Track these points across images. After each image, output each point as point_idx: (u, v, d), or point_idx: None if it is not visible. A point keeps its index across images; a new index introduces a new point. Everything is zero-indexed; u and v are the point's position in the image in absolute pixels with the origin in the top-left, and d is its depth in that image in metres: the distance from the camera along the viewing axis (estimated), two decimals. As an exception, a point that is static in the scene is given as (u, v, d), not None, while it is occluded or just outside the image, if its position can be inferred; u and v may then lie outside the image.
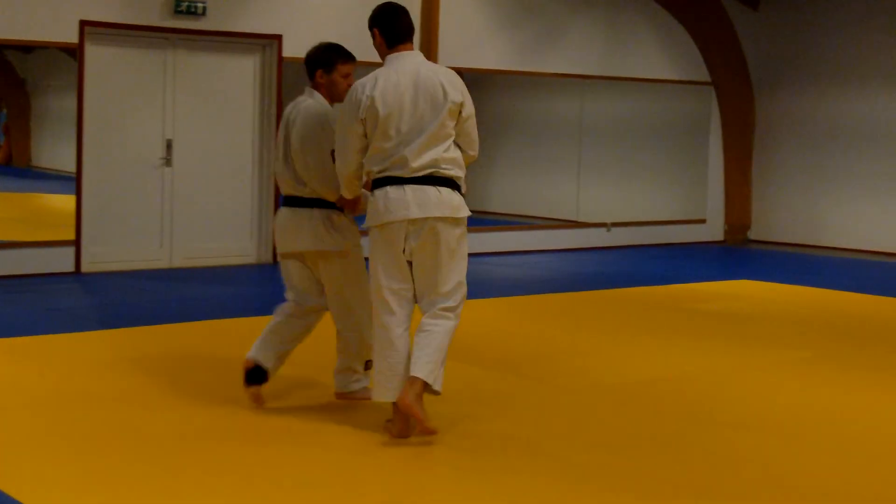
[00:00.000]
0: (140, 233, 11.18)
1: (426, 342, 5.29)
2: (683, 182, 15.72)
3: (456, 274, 5.42)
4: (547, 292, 10.24)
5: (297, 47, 11.82)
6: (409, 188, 5.29)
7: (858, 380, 6.96)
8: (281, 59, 11.73)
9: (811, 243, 15.01)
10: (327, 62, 5.87)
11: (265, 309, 9.09)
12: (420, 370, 5.22)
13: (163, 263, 11.30)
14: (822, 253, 14.55)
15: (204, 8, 11.16)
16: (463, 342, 7.29)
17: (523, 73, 13.72)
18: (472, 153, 5.54)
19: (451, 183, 5.39)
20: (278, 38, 11.70)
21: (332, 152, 5.63)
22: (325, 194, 5.79)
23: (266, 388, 5.94)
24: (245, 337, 7.78)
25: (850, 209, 14.64)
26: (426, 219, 5.30)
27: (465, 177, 5.50)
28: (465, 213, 5.44)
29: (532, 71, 13.67)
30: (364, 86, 5.37)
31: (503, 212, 16.06)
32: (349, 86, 5.64)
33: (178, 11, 11.02)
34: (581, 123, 15.27)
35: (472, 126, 5.48)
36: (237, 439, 5.33)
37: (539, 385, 6.51)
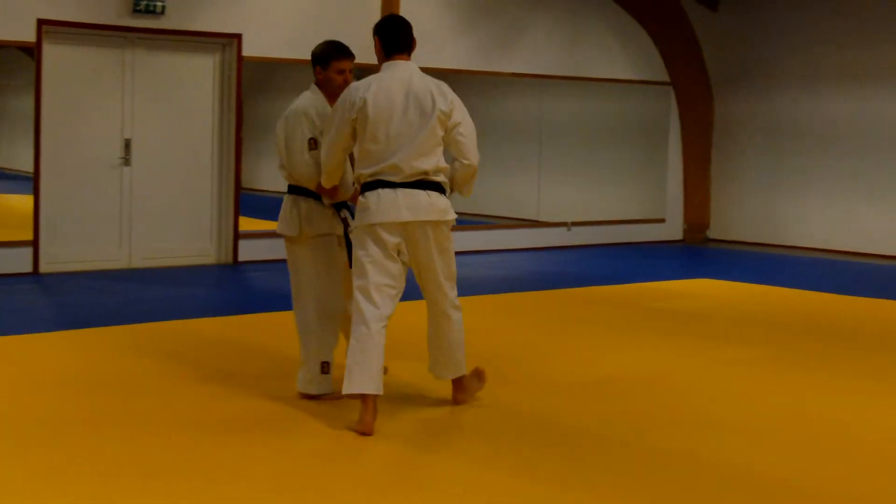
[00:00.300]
0: (99, 233, 11.11)
1: (440, 346, 5.83)
2: (643, 182, 15.80)
3: (452, 269, 5.74)
4: (508, 292, 10.26)
5: (256, 47, 11.80)
6: (400, 192, 5.52)
7: (817, 377, 7.02)
8: (240, 58, 11.69)
9: (769, 242, 15.14)
10: (323, 60, 6.08)
11: (222, 310, 9.12)
12: (441, 373, 5.87)
13: (122, 264, 11.23)
14: (779, 252, 14.67)
15: (163, 7, 11.10)
16: (423, 341, 7.29)
17: (483, 74, 13.74)
18: (466, 161, 5.73)
19: (438, 187, 5.62)
20: (238, 37, 11.66)
21: (311, 140, 5.95)
22: (299, 181, 6.05)
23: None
24: (203, 338, 7.77)
25: (808, 208, 14.76)
26: (416, 222, 5.53)
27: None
28: (453, 215, 5.69)
29: (492, 71, 13.69)
30: (358, 88, 5.61)
31: (464, 212, 16.03)
32: (345, 81, 5.99)
33: (136, 10, 10.96)
34: (541, 123, 15.32)
35: (462, 135, 5.68)
36: (203, 438, 5.31)
37: (499, 384, 6.52)
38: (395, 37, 5.76)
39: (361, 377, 5.42)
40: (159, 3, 11.06)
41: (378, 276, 5.54)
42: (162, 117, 11.42)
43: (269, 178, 21.40)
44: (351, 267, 5.80)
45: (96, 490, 4.54)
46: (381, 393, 5.47)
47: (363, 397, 5.45)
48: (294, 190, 6.14)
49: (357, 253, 5.61)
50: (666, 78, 15.31)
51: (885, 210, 14.01)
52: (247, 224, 12.22)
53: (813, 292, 10.81)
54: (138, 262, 11.32)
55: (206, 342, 7.63)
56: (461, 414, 5.95)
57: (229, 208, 11.78)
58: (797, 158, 14.87)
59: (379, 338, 5.49)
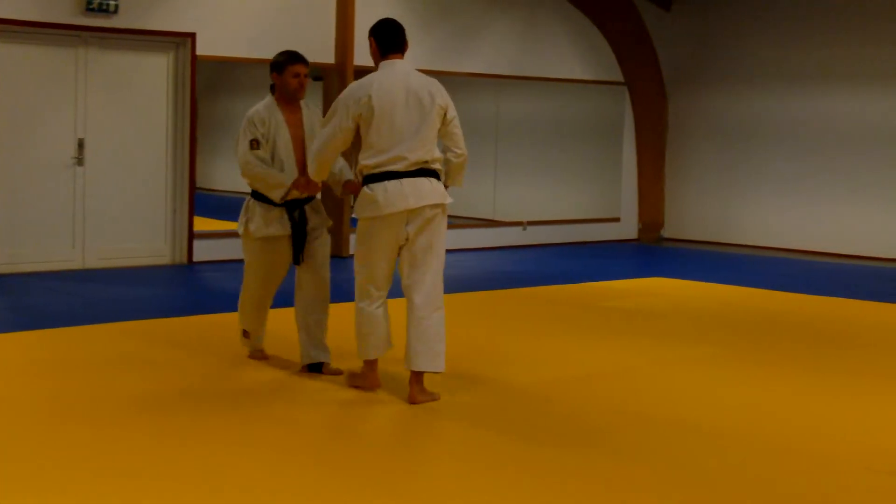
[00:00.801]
0: (52, 233, 11.02)
1: (422, 335, 6.10)
2: (598, 181, 15.87)
3: (441, 262, 6.20)
4: (463, 291, 10.27)
5: (210, 46, 11.74)
6: (405, 181, 6.01)
7: (773, 375, 7.08)
8: (194, 57, 11.63)
9: (723, 241, 15.25)
10: (279, 66, 6.66)
11: (177, 310, 9.07)
12: (424, 365, 6.08)
13: (76, 264, 11.15)
14: (733, 250, 14.79)
15: (116, 6, 11.02)
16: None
17: (439, 73, 13.74)
18: (459, 151, 6.28)
19: (436, 174, 6.16)
20: (192, 36, 11.60)
21: (253, 142, 6.57)
22: (245, 179, 6.70)
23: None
24: (156, 338, 7.73)
25: (761, 207, 14.89)
26: (423, 207, 6.03)
27: None
28: (450, 199, 6.21)
29: (448, 71, 13.70)
30: (361, 86, 6.06)
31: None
32: (300, 84, 6.63)
33: (89, 9, 10.88)
34: (497, 123, 15.36)
35: (457, 127, 6.25)
36: (150, 438, 5.29)
37: (454, 383, 6.53)
38: (390, 37, 6.26)
39: (374, 346, 6.20)
40: (112, 2, 10.98)
41: (386, 264, 6.14)
42: (116, 117, 11.34)
43: (223, 177, 21.33)
44: (298, 263, 6.65)
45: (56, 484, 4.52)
46: (373, 357, 6.25)
47: (370, 362, 6.24)
48: (252, 193, 6.75)
49: (362, 241, 6.13)
50: (620, 78, 15.39)
51: (839, 208, 14.16)
52: (202, 224, 12.16)
53: (767, 291, 10.90)
54: (93, 263, 11.24)
55: (161, 342, 7.59)
56: (415, 414, 5.96)
57: (184, 208, 11.72)
58: (751, 157, 14.99)
59: (383, 316, 6.22)
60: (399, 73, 6.12)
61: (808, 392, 6.64)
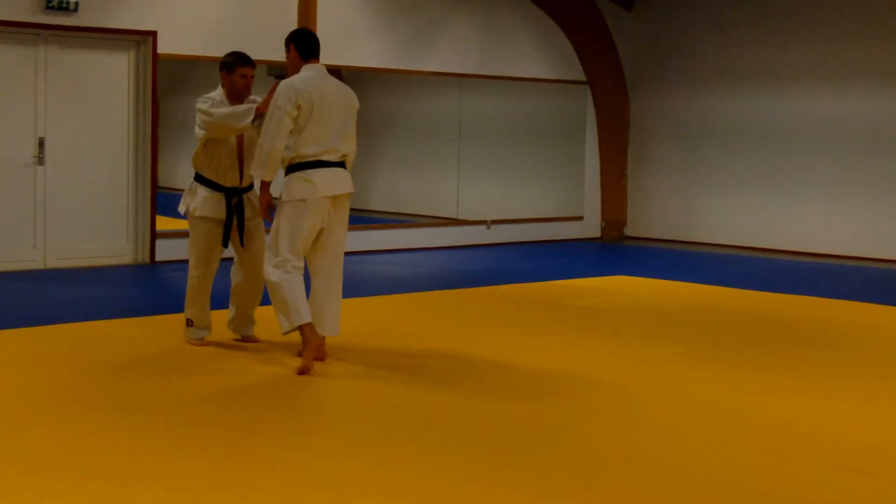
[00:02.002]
0: (13, 233, 10.93)
1: (334, 306, 6.84)
2: (561, 179, 15.92)
3: (344, 244, 6.96)
4: (427, 290, 10.27)
5: (171, 44, 11.69)
6: (331, 170, 6.71)
7: (736, 373, 7.11)
8: (156, 55, 11.56)
9: (685, 239, 15.33)
10: (229, 66, 7.21)
11: (138, 311, 9.01)
12: (333, 330, 6.85)
13: (37, 264, 11.06)
14: (696, 249, 14.87)
15: (76, 4, 10.95)
16: (342, 340, 7.29)
17: (402, 72, 13.75)
18: (354, 149, 7.00)
19: (345, 166, 6.89)
20: (153, 34, 11.53)
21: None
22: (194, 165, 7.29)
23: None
24: (118, 339, 7.69)
25: (723, 205, 14.98)
26: (342, 195, 6.77)
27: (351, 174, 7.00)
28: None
29: (410, 69, 13.70)
30: (295, 83, 6.67)
31: (384, 210, 16.08)
32: (246, 85, 7.17)
33: (49, 7, 10.79)
34: (460, 122, 15.37)
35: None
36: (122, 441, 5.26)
37: (419, 381, 6.53)
38: (310, 44, 6.91)
39: (299, 314, 6.62)
40: (72, 1, 10.90)
41: (306, 242, 6.71)
42: (76, 116, 11.27)
43: (186, 176, 21.22)
44: (226, 246, 7.22)
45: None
46: (310, 320, 6.65)
47: (302, 328, 6.62)
48: (196, 176, 7.32)
49: (288, 222, 6.64)
50: (582, 77, 15.44)
51: (801, 206, 14.26)
52: (164, 223, 12.08)
53: (730, 289, 10.97)
54: (54, 263, 11.15)
55: (123, 343, 7.55)
56: (379, 411, 5.96)
57: (146, 207, 11.65)
58: (712, 156, 15.08)
59: (302, 285, 6.70)
60: (324, 76, 6.82)
61: (774, 390, 6.68)
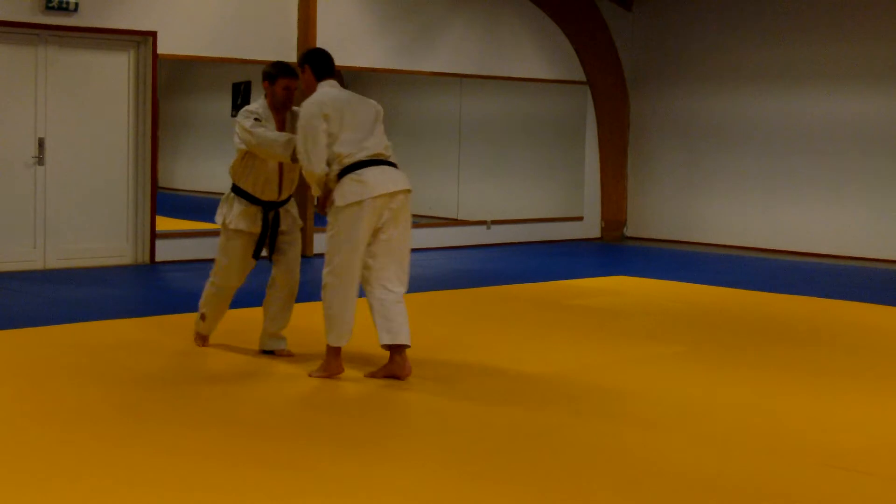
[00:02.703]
0: (13, 233, 10.93)
1: (402, 311, 6.53)
2: (561, 180, 15.91)
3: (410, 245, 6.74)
4: (427, 290, 10.27)
5: (171, 45, 11.69)
6: (381, 168, 6.52)
7: (732, 373, 7.12)
8: (156, 56, 11.56)
9: (685, 239, 15.33)
10: (271, 77, 7.06)
11: (137, 311, 9.01)
12: (407, 338, 6.51)
13: (37, 265, 11.06)
14: (695, 249, 14.87)
15: (76, 4, 10.95)
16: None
17: (402, 72, 13.75)
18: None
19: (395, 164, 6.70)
20: (153, 34, 11.53)
21: (256, 120, 6.88)
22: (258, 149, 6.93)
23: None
24: (114, 339, 7.69)
25: (723, 205, 14.98)
26: (397, 192, 6.52)
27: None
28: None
29: (411, 70, 13.70)
30: (317, 96, 6.61)
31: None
32: (288, 97, 7.03)
33: (49, 7, 10.79)
34: (460, 122, 15.37)
35: None
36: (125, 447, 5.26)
37: (418, 382, 6.53)
38: (325, 63, 6.81)
39: (345, 333, 6.54)
40: (72, 0, 10.90)
41: (362, 243, 6.47)
42: (76, 116, 11.26)
43: (186, 177, 21.22)
44: (257, 258, 7.09)
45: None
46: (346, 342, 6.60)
47: (337, 349, 6.56)
48: (233, 187, 7.10)
49: (342, 232, 6.44)
50: (582, 77, 15.44)
51: (801, 207, 14.26)
52: (164, 224, 12.09)
53: (730, 289, 10.97)
54: (54, 263, 11.15)
55: (123, 343, 7.55)
56: (373, 413, 5.96)
57: (146, 208, 11.65)
58: (712, 156, 15.08)
59: (354, 288, 6.55)
60: (339, 89, 6.73)
61: (774, 389, 6.68)
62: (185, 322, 8.28)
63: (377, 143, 6.60)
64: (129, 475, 4.73)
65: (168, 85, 18.26)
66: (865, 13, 13.71)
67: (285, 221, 7.12)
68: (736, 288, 11.01)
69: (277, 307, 7.16)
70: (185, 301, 9.23)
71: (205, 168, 20.67)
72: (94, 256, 11.42)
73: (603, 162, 15.73)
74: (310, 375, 6.60)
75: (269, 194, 7.03)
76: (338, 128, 6.49)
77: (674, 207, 15.47)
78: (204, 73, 19.67)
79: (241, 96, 18.73)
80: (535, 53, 14.93)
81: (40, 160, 11.05)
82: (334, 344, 6.55)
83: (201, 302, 7.32)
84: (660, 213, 15.62)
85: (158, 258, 11.70)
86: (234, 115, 19.26)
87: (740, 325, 9.01)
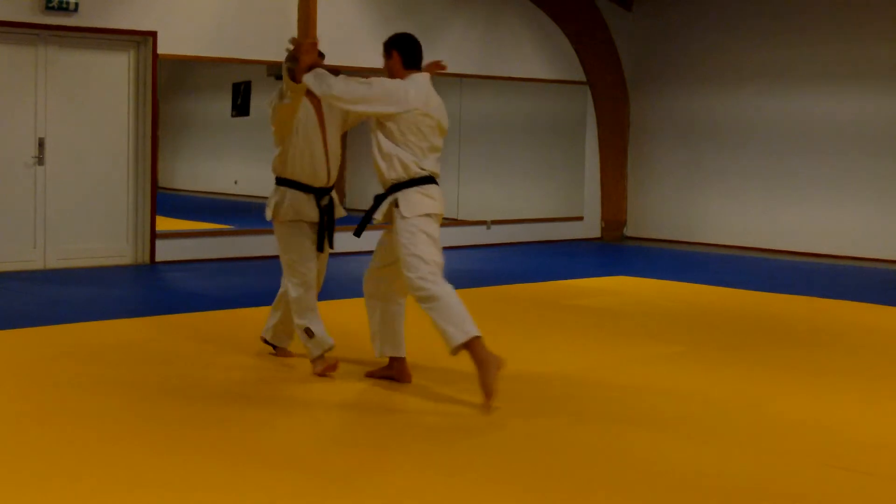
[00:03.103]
0: (13, 233, 10.93)
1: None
2: (561, 180, 15.92)
3: None
4: (427, 290, 10.26)
5: (171, 45, 11.69)
6: (438, 189, 6.26)
7: (732, 373, 7.12)
8: (156, 56, 11.56)
9: (685, 240, 15.34)
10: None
11: (138, 311, 9.01)
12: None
13: (37, 265, 11.06)
14: (696, 249, 14.87)
15: (76, 4, 10.95)
16: (340, 341, 7.28)
17: (402, 72, 13.73)
18: None
19: None
20: (153, 34, 11.53)
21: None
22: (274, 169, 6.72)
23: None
24: (114, 339, 7.69)
25: (723, 205, 14.98)
26: (441, 214, 6.27)
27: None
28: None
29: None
30: (409, 91, 6.18)
31: (383, 210, 16.04)
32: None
33: (49, 7, 10.80)
34: (460, 122, 15.36)
35: None
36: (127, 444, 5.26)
37: (417, 382, 6.53)
38: (417, 52, 6.42)
39: (468, 323, 6.06)
40: (72, 1, 10.90)
41: (440, 255, 6.23)
42: (76, 116, 11.27)
43: (186, 177, 21.23)
44: (321, 251, 6.70)
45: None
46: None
47: (472, 343, 6.02)
48: (278, 180, 6.75)
49: (424, 229, 6.12)
50: (582, 77, 15.44)
51: (801, 207, 14.27)
52: (164, 224, 12.10)
53: (730, 289, 10.97)
54: (54, 263, 11.16)
55: (123, 343, 7.55)
56: (372, 413, 5.96)
57: (146, 208, 11.65)
58: (712, 157, 15.08)
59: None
60: (429, 90, 6.34)
61: (774, 389, 6.68)
62: (185, 322, 8.29)
63: (437, 162, 6.39)
64: (129, 475, 4.73)
65: (168, 85, 18.27)
66: (866, 13, 13.71)
67: (338, 209, 6.85)
68: (736, 288, 11.01)
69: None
70: (184, 301, 9.24)
71: (205, 168, 20.70)
72: (94, 256, 11.42)
73: (603, 162, 15.74)
74: (486, 398, 5.97)
75: (321, 179, 6.73)
76: (407, 125, 6.16)
77: (674, 207, 15.47)
78: (204, 73, 19.68)
79: (241, 96, 18.76)
80: (535, 53, 14.93)
81: (40, 160, 11.05)
82: (472, 333, 6.04)
83: (295, 321, 6.76)
84: (660, 213, 15.63)
85: (158, 258, 11.71)
86: (234, 116, 19.35)
87: (740, 325, 9.02)
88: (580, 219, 15.72)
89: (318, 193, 6.73)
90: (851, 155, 13.82)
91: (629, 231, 15.94)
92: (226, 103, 19.47)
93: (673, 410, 6.12)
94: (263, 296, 9.64)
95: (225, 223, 14.52)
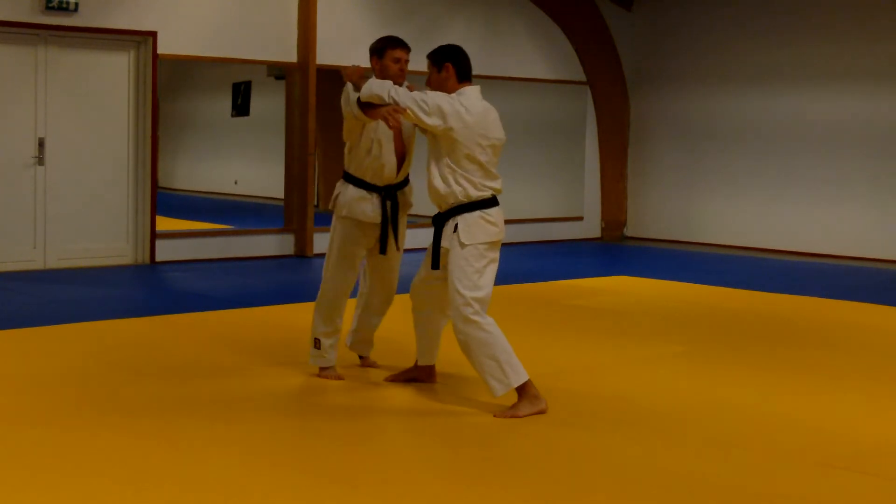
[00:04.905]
0: (13, 233, 10.93)
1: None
2: (561, 180, 15.92)
3: None
4: (427, 290, 10.27)
5: (171, 44, 11.69)
6: (500, 212, 6.01)
7: (732, 373, 7.12)
8: (156, 56, 11.56)
9: (685, 239, 15.34)
10: (379, 51, 6.49)
11: (138, 311, 9.01)
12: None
13: (37, 265, 11.06)
14: (696, 249, 14.87)
15: (76, 4, 10.95)
16: (342, 342, 7.28)
17: (402, 72, 13.72)
18: None
19: None
20: (153, 34, 11.53)
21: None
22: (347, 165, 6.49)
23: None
24: (114, 339, 7.69)
25: (723, 205, 14.98)
26: (500, 241, 6.07)
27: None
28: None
29: (410, 70, 13.65)
30: (463, 102, 5.95)
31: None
32: (401, 69, 6.42)
33: (49, 7, 10.80)
34: (460, 122, 15.37)
35: None
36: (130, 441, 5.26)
37: (417, 382, 6.53)
38: (468, 65, 6.17)
39: (516, 371, 5.86)
40: (72, 0, 10.91)
41: (489, 287, 6.05)
42: (76, 116, 11.27)
43: (186, 177, 21.23)
44: (384, 253, 6.49)
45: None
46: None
47: (526, 387, 5.84)
48: (344, 175, 6.51)
49: (478, 260, 5.93)
50: (582, 77, 15.44)
51: (799, 207, 14.26)
52: (164, 224, 12.10)
53: (729, 289, 10.97)
54: (54, 263, 11.15)
55: (123, 343, 7.55)
56: (371, 413, 5.95)
57: (146, 208, 11.65)
58: (712, 156, 15.08)
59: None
60: (485, 105, 6.13)
61: (774, 389, 6.68)
62: (184, 322, 8.29)
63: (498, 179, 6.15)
64: (129, 475, 4.73)
65: (168, 85, 18.27)
66: (866, 13, 13.71)
67: (404, 207, 6.62)
68: (736, 288, 11.01)
69: (376, 309, 6.76)
70: (184, 301, 9.24)
71: (205, 168, 20.71)
72: (94, 256, 11.42)
73: (603, 162, 15.74)
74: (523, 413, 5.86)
75: (388, 176, 6.46)
76: (463, 139, 5.92)
77: (674, 207, 15.47)
78: (204, 73, 19.68)
79: (241, 96, 18.76)
80: (535, 53, 14.93)
81: (40, 160, 11.05)
82: (520, 380, 5.85)
83: (314, 321, 6.57)
84: (660, 214, 15.62)
85: (158, 258, 11.71)
86: (234, 116, 19.36)
87: (740, 325, 9.02)
88: (580, 219, 15.72)
89: (385, 192, 6.44)
90: (851, 154, 13.81)
91: (629, 231, 15.94)
92: (226, 103, 19.47)
93: (672, 410, 6.12)
94: (263, 296, 9.64)
95: (225, 223, 14.53)
